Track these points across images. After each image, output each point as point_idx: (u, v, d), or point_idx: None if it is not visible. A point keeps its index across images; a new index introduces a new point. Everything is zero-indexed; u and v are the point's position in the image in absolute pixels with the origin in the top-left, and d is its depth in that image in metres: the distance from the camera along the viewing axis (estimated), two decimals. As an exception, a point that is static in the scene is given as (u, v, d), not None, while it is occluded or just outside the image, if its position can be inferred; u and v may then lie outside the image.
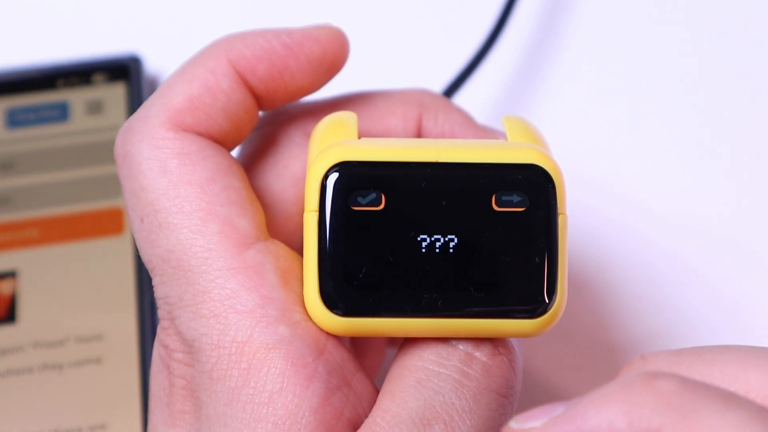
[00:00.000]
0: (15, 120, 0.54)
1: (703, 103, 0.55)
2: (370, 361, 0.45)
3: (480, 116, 0.51)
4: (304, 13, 0.58)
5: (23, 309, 0.50)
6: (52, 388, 0.48)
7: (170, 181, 0.36)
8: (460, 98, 0.52)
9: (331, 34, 0.39)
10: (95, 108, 0.55)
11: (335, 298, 0.34)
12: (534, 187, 0.35)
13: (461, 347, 0.35)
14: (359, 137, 0.37)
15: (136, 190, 0.36)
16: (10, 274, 0.50)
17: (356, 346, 0.44)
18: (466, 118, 0.41)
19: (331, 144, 0.35)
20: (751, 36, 0.56)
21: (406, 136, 0.41)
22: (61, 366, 0.48)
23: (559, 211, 0.35)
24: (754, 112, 0.55)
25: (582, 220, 0.52)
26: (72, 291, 0.50)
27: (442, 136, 0.41)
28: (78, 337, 0.49)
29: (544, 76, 0.56)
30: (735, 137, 0.54)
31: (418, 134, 0.41)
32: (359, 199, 0.35)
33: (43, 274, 0.50)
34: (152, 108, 0.37)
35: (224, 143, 0.38)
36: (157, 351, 0.37)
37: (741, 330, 0.50)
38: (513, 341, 0.36)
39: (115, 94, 0.55)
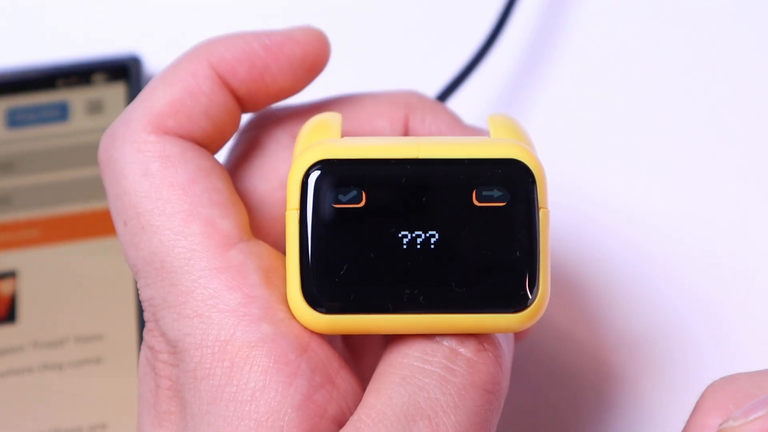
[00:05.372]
0: (15, 120, 0.55)
1: (702, 106, 0.55)
2: (368, 362, 0.45)
3: (476, 119, 0.51)
4: (302, 13, 0.58)
5: (23, 309, 0.50)
6: (52, 388, 0.48)
7: (152, 183, 0.36)
8: (457, 101, 0.52)
9: (311, 35, 0.39)
10: (95, 108, 0.55)
11: (318, 295, 0.35)
12: (514, 181, 0.35)
13: (446, 343, 0.35)
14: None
15: (119, 193, 0.37)
16: (10, 274, 0.51)
17: (354, 347, 0.44)
18: (454, 119, 0.41)
19: (312, 143, 0.36)
20: (750, 41, 0.56)
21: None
22: (61, 366, 0.48)
23: (540, 205, 0.35)
24: (744, 118, 0.54)
25: (574, 222, 0.52)
26: (72, 291, 0.50)
27: (429, 136, 0.41)
28: (78, 337, 0.49)
29: (540, 80, 0.56)
30: (730, 142, 0.54)
31: (405, 135, 0.41)
32: (340, 196, 0.35)
33: (43, 274, 0.51)
34: (134, 112, 0.37)
35: (207, 145, 0.38)
36: (143, 353, 0.37)
37: (725, 333, 0.50)
38: (500, 338, 0.36)
39: (115, 94, 0.55)
